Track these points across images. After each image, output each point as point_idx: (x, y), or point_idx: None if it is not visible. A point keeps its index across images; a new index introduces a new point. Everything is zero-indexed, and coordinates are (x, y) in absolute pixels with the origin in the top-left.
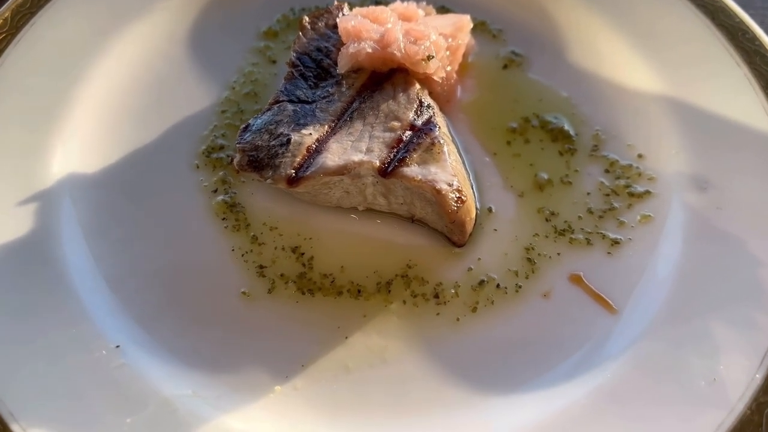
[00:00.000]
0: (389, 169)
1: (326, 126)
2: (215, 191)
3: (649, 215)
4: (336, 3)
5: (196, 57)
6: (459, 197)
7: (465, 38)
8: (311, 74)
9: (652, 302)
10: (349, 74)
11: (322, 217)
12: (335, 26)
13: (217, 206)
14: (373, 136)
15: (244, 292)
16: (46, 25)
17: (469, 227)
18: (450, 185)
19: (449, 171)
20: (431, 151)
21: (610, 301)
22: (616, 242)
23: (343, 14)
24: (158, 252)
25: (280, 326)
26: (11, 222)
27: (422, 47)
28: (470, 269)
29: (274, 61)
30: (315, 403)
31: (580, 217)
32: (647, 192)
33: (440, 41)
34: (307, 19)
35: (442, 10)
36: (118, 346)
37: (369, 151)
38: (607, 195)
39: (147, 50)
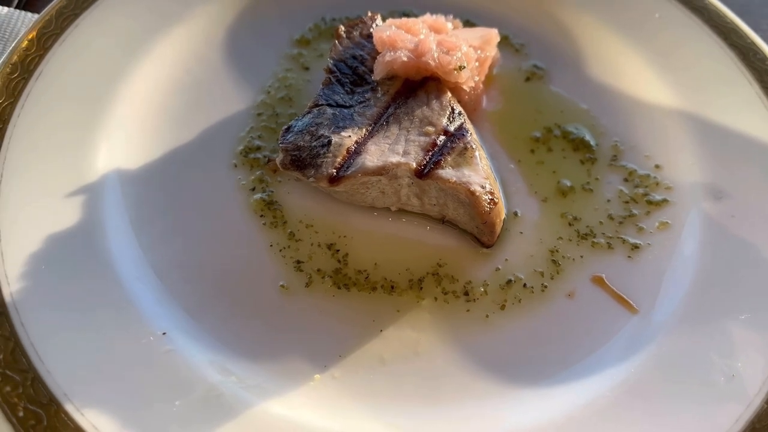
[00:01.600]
0: (425, 170)
1: (364, 129)
2: (253, 189)
3: (667, 222)
4: (369, 14)
5: (233, 61)
6: (492, 199)
7: (492, 51)
8: (347, 80)
9: (671, 303)
10: (383, 81)
11: (356, 217)
12: (369, 36)
13: (255, 204)
14: (408, 139)
15: (282, 286)
16: (89, 26)
17: (499, 228)
18: (483, 188)
19: (482, 174)
20: (464, 155)
21: (631, 302)
22: (636, 247)
23: (377, 25)
24: (201, 245)
25: (317, 318)
26: (61, 214)
27: (454, 57)
28: (498, 269)
29: (307, 68)
30: (352, 392)
31: (601, 222)
32: (665, 200)
33: (470, 52)
34: (342, 28)
35: (468, 24)
36: (164, 333)
37: (405, 153)
38: (627, 202)
39: (186, 54)
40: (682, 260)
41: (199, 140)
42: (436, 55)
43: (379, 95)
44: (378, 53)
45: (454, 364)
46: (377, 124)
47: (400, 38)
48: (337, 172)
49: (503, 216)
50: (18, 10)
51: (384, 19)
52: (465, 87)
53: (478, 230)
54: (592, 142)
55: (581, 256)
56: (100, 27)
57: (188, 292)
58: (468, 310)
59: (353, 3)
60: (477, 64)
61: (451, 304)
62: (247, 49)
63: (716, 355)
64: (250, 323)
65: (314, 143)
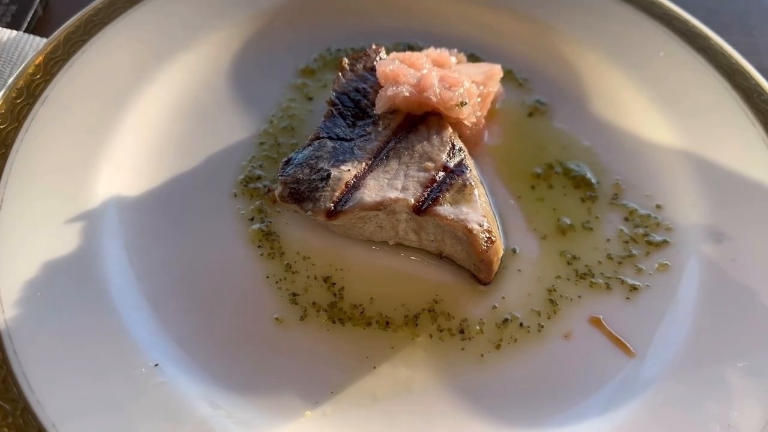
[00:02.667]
0: (423, 207)
1: (364, 163)
2: (252, 219)
3: (667, 264)
4: (374, 47)
5: (237, 90)
6: (489, 237)
7: (495, 86)
8: (349, 113)
9: (669, 347)
10: (385, 115)
11: (353, 250)
12: (373, 69)
13: (253, 234)
14: (408, 174)
15: (277, 318)
16: (96, 52)
17: (496, 267)
18: (480, 225)
19: (480, 212)
20: (463, 192)
21: (628, 345)
22: (634, 288)
23: (381, 58)
24: (197, 274)
25: (311, 353)
26: (57, 239)
27: (456, 93)
28: (495, 307)
29: (310, 98)
30: (343, 429)
31: (600, 262)
32: (665, 241)
33: (472, 88)
34: (346, 60)
35: (472, 57)
36: (156, 365)
37: (404, 189)
38: (626, 242)
39: (191, 81)
40: (681, 303)
41: (201, 168)
42: (438, 90)
43: (380, 129)
44: (381, 87)
45: (448, 403)
46: (377, 159)
47: (402, 72)
48: (334, 207)
49: (501, 254)
50: (27, 34)
51: (388, 52)
52: (466, 122)
53: (476, 267)
54: (593, 180)
55: (579, 296)
56: (107, 53)
57: (182, 322)
58: (463, 349)
59: (359, 34)
60: (479, 99)
61: (446, 342)
62: (251, 78)
63: (713, 402)
64: (243, 356)
65: (313, 176)
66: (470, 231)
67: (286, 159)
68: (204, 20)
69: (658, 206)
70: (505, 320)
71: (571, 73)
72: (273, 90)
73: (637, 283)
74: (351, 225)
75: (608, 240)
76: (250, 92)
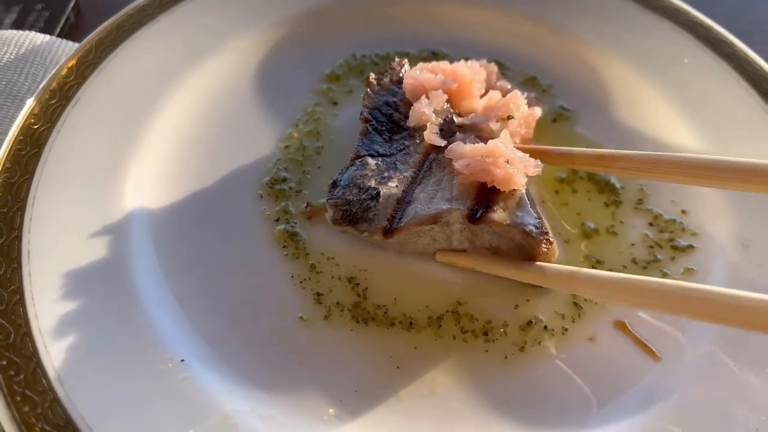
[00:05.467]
0: (477, 215)
1: (409, 177)
2: (277, 220)
3: (693, 268)
4: (397, 60)
5: (263, 95)
6: (547, 239)
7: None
8: (384, 128)
9: (695, 352)
10: (420, 127)
11: (377, 251)
12: (400, 81)
13: (278, 234)
14: (454, 184)
15: (301, 317)
16: (127, 57)
17: None
18: (537, 228)
19: (533, 214)
20: (513, 196)
21: (653, 349)
22: None
23: (405, 70)
24: (223, 273)
25: (335, 352)
26: (87, 237)
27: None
28: (519, 309)
29: (335, 103)
30: (367, 428)
31: (625, 266)
32: (690, 246)
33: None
34: (373, 75)
35: (498, 64)
36: (182, 360)
37: (454, 199)
38: (651, 247)
39: (218, 86)
40: None
41: (227, 170)
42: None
43: (418, 141)
44: (408, 98)
45: (470, 405)
46: (422, 171)
47: (428, 81)
48: (390, 225)
49: (557, 255)
50: (60, 39)
51: (413, 60)
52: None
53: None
54: (617, 185)
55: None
56: (137, 58)
57: (208, 319)
58: (487, 351)
59: (383, 41)
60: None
61: (469, 344)
62: (277, 83)
63: (739, 407)
64: (268, 354)
65: (363, 196)
66: (528, 234)
67: (332, 181)
68: (231, 28)
69: (683, 211)
70: (529, 323)
71: (595, 79)
72: (298, 95)
73: None
74: (406, 241)
75: (633, 245)
76: (275, 97)
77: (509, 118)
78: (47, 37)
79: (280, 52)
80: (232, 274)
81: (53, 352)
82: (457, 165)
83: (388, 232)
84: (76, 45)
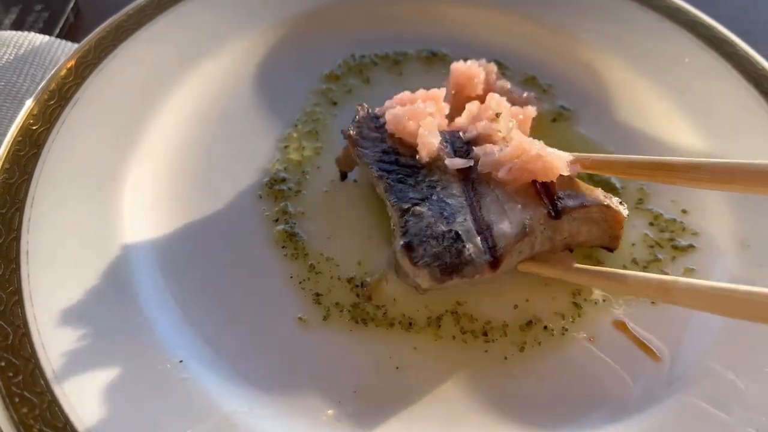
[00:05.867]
0: (556, 210)
1: (466, 206)
2: (276, 220)
3: (693, 268)
4: (357, 107)
5: (262, 95)
6: (619, 201)
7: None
8: (402, 174)
9: (694, 352)
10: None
11: (376, 252)
12: (377, 127)
13: (277, 235)
14: (510, 194)
15: (300, 318)
16: (126, 58)
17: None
18: (606, 197)
19: (591, 188)
20: (569, 181)
21: (653, 349)
22: None
23: (369, 113)
24: (222, 273)
25: (334, 352)
26: (85, 237)
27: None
28: (518, 309)
29: (335, 103)
30: (366, 429)
31: (625, 266)
32: (691, 246)
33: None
34: (351, 132)
35: (498, 64)
36: (181, 361)
37: (524, 206)
38: (652, 247)
39: (217, 86)
40: None
41: (226, 171)
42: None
43: (443, 171)
44: (394, 136)
45: (470, 405)
46: (471, 195)
47: (410, 114)
48: (493, 256)
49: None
50: (59, 39)
51: (412, 59)
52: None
53: (609, 239)
54: (617, 185)
55: (603, 300)
56: (136, 59)
57: (207, 320)
58: (486, 351)
59: (382, 41)
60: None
61: (469, 344)
62: (276, 83)
63: (740, 408)
64: (267, 354)
65: (446, 243)
66: (608, 207)
67: (406, 245)
68: (229, 28)
69: (683, 211)
70: (529, 323)
71: (595, 78)
72: (297, 95)
73: None
74: (507, 265)
75: (633, 244)
76: (274, 97)
77: (498, 115)
78: (46, 37)
79: (279, 53)
80: (231, 275)
81: (52, 354)
82: (500, 174)
83: (495, 264)
84: (76, 46)
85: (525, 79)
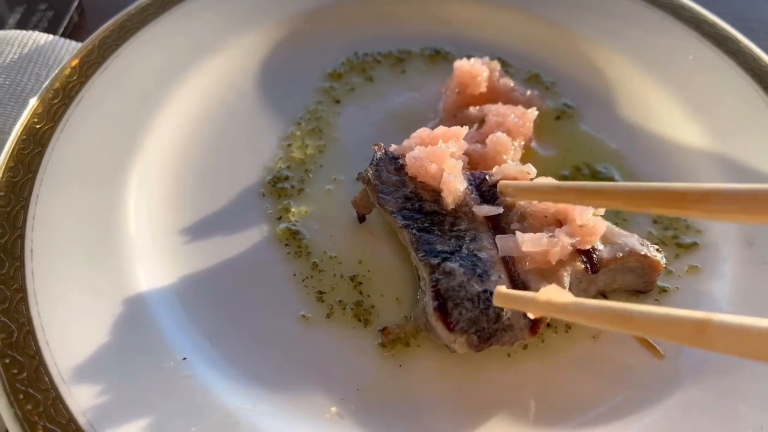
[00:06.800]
0: (593, 263)
1: (497, 259)
2: (279, 219)
3: (696, 266)
4: (374, 147)
5: (265, 93)
6: (656, 248)
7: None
8: (427, 224)
9: (698, 350)
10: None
11: (378, 251)
12: (397, 168)
13: (280, 233)
14: (542, 244)
15: (303, 315)
16: (130, 56)
17: None
18: (643, 244)
19: (626, 234)
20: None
21: (657, 347)
22: (663, 290)
23: (387, 154)
24: (225, 271)
25: (337, 350)
26: (89, 234)
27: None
28: None
29: (338, 101)
30: (368, 426)
31: None
32: (695, 244)
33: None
34: (370, 173)
35: (500, 62)
36: (185, 358)
37: (560, 262)
38: (656, 244)
39: (220, 84)
40: (711, 306)
41: (229, 169)
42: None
43: (469, 219)
44: (414, 179)
45: (473, 402)
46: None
47: (428, 159)
48: (531, 320)
49: None
50: (63, 38)
51: (415, 58)
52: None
53: (644, 283)
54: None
55: (607, 298)
56: (140, 57)
57: (210, 318)
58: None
59: (385, 39)
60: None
61: None
62: (279, 81)
63: (744, 406)
64: (270, 352)
65: (482, 306)
66: (645, 256)
67: (439, 306)
68: (233, 26)
69: None
70: None
71: (598, 76)
72: (300, 93)
73: (667, 285)
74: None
75: None
76: (277, 95)
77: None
78: (51, 36)
79: (282, 51)
80: (235, 273)
81: (56, 351)
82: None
83: (534, 329)
84: (80, 45)
85: (528, 76)
